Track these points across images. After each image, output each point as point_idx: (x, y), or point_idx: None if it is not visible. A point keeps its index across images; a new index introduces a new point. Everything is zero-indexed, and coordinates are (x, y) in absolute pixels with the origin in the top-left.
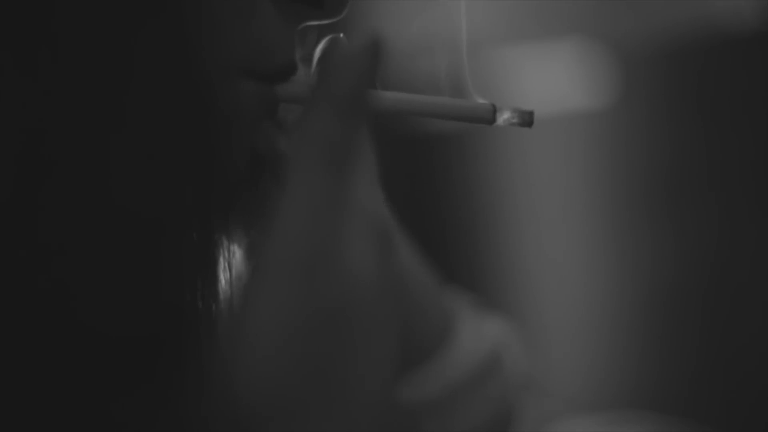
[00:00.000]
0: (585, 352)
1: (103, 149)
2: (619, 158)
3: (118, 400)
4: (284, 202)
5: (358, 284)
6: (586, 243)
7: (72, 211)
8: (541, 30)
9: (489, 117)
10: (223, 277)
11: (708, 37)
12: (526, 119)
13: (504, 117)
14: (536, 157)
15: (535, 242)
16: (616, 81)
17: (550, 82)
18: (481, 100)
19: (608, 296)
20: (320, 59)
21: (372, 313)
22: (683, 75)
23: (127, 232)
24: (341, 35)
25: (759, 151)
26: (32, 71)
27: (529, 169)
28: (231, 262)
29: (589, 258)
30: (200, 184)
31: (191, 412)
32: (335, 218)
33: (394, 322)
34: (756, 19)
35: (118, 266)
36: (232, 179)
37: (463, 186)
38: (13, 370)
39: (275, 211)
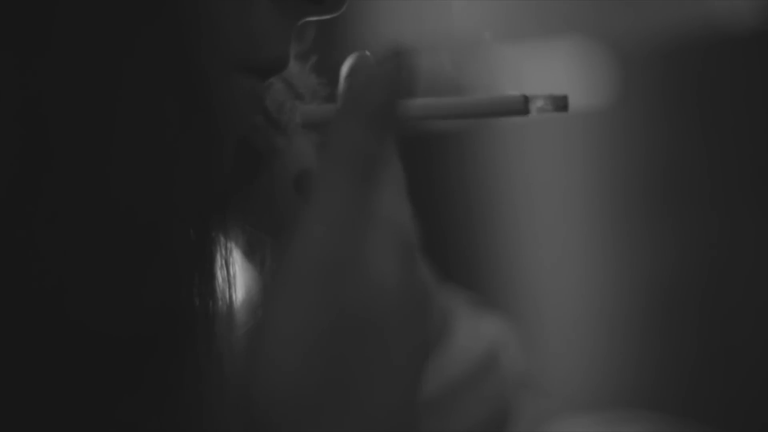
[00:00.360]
0: (583, 351)
1: (99, 145)
2: (618, 157)
3: (113, 397)
4: (310, 210)
5: (381, 293)
6: (584, 241)
7: (68, 208)
8: (539, 29)
9: (522, 108)
10: (219, 275)
11: (706, 36)
12: (560, 104)
13: (537, 105)
14: (535, 156)
15: (533, 241)
16: (615, 80)
17: (549, 81)
18: (511, 93)
19: (607, 295)
20: (347, 76)
21: (394, 323)
22: (682, 74)
23: (123, 229)
24: (366, 52)
25: (758, 150)
26: (31, 68)
27: (528, 168)
28: (228, 259)
29: (588, 257)
30: (196, 180)
31: (189, 410)
32: (360, 228)
33: (418, 335)
34: (755, 19)
35: (114, 263)
36: (227, 175)
37: (461, 184)
38: (9, 368)
39: (301, 217)
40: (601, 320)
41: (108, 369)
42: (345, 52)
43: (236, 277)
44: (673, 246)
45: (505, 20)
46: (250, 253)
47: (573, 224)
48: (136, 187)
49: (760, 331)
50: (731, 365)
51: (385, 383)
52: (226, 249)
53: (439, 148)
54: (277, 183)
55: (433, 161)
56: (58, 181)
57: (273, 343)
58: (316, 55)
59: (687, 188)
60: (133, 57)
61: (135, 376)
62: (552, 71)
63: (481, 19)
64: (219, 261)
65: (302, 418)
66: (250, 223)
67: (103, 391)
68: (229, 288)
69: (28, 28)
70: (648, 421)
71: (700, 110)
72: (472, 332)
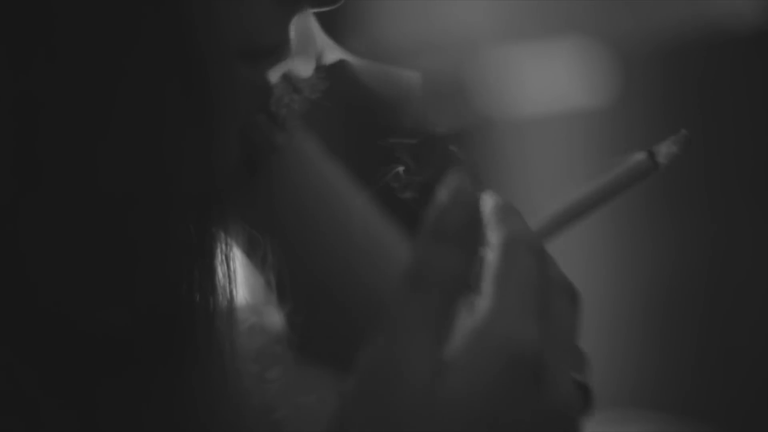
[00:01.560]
0: (584, 350)
1: (96, 138)
2: (619, 157)
3: (112, 393)
4: (389, 330)
5: (471, 421)
6: (585, 241)
7: (64, 201)
8: (540, 29)
9: (651, 165)
10: (220, 270)
11: (707, 35)
12: (684, 141)
13: (664, 153)
14: (535, 156)
15: None
16: (616, 79)
17: (550, 81)
18: (636, 155)
19: (607, 295)
20: (431, 209)
21: None
22: (682, 74)
23: (122, 223)
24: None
25: (758, 150)
26: (28, 58)
27: (528, 168)
28: (228, 255)
29: (589, 257)
30: (197, 175)
31: (190, 405)
32: (438, 352)
33: None
34: (756, 18)
35: (113, 258)
36: (227, 170)
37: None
38: (4, 367)
39: (378, 336)
40: (603, 320)
41: (108, 364)
42: (344, 46)
43: (237, 272)
44: (674, 245)
45: (506, 20)
46: (251, 252)
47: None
48: (134, 181)
49: (759, 330)
50: (731, 364)
51: None
52: (226, 244)
53: (439, 149)
54: (275, 180)
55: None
56: (55, 174)
57: None
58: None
59: (687, 188)
60: (132, 47)
61: (135, 372)
62: (553, 70)
63: (483, 19)
64: (219, 256)
65: None
66: (248, 220)
67: (102, 386)
68: (230, 283)
69: (27, 16)
70: (648, 420)
71: (700, 110)
72: None
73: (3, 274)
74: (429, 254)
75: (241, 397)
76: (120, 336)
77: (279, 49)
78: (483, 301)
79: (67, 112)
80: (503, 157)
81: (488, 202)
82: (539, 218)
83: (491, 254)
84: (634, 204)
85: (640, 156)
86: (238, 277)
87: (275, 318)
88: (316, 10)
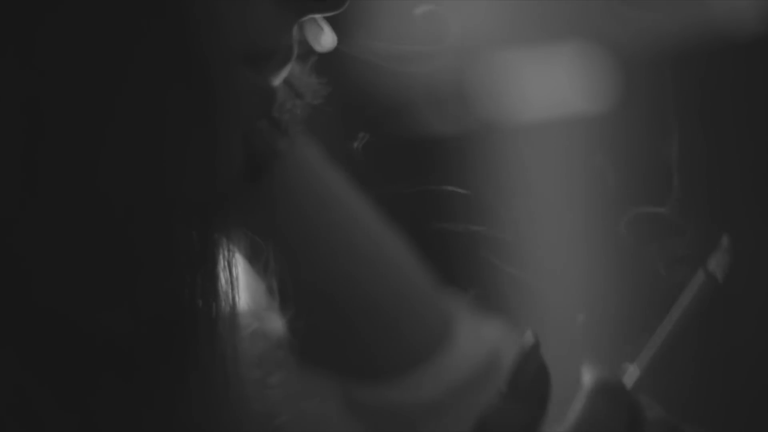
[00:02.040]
0: (584, 354)
1: (99, 144)
2: (620, 162)
3: (115, 399)
4: None
5: None
6: (586, 246)
7: (67, 207)
8: (542, 33)
9: (712, 281)
10: (222, 275)
11: (709, 41)
12: (726, 246)
13: (715, 264)
14: (537, 161)
15: (535, 245)
16: (617, 85)
17: (551, 86)
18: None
19: (608, 299)
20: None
21: None
22: (684, 79)
23: (125, 229)
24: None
25: (760, 155)
26: (31, 61)
27: (530, 173)
28: (230, 261)
29: (590, 261)
30: (199, 180)
31: (193, 411)
32: None
33: None
34: (757, 24)
35: (117, 263)
36: (230, 176)
37: (462, 188)
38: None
39: None
40: (603, 324)
41: (110, 370)
42: (346, 51)
43: (239, 278)
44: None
45: (508, 24)
46: (253, 258)
47: (575, 228)
48: (137, 186)
49: (759, 333)
50: (731, 367)
51: None
52: (228, 250)
53: (440, 151)
54: (277, 186)
55: (435, 165)
56: (57, 180)
57: None
58: (316, 55)
59: (688, 192)
60: (134, 51)
61: (138, 377)
62: (555, 76)
63: (484, 23)
64: (221, 262)
65: None
66: (250, 226)
67: (104, 391)
68: (232, 289)
69: (28, 19)
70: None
71: (702, 115)
72: (474, 336)
73: (6, 278)
74: (499, 408)
75: (242, 403)
76: (122, 341)
77: (282, 54)
78: None
79: (68, 117)
80: (504, 162)
81: (588, 370)
82: (631, 371)
83: (578, 401)
84: (635, 209)
85: (699, 278)
86: (241, 282)
87: (277, 323)
88: (319, 14)
